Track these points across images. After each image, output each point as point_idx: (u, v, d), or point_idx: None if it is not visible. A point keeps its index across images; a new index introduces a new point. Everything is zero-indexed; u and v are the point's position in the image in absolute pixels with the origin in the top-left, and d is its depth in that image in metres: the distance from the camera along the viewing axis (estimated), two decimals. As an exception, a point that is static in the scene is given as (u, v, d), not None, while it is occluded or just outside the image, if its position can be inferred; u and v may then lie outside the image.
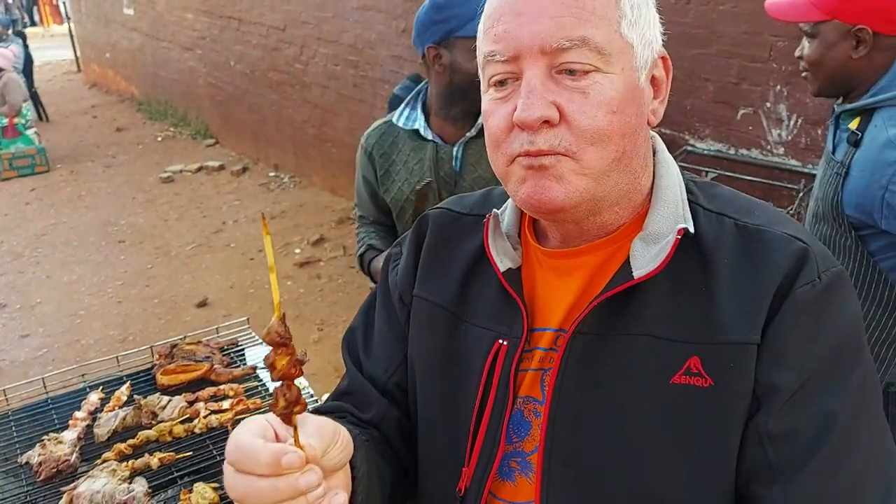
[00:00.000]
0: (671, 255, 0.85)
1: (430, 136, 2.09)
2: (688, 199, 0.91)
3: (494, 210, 1.00)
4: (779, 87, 3.27)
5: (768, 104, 3.34)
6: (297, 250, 6.17)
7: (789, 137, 3.29)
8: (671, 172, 0.93)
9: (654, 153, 0.95)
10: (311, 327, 4.95)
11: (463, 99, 2.02)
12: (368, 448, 0.96)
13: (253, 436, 0.76)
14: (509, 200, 1.03)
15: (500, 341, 0.94)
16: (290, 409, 0.79)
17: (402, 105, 2.18)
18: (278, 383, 0.80)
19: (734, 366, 0.82)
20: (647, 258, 0.87)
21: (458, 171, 2.07)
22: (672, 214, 0.89)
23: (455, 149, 2.07)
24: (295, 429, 0.79)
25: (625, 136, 0.85)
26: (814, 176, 3.19)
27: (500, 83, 0.86)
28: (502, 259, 0.97)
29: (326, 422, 0.81)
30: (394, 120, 2.16)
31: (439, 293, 1.03)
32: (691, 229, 0.86)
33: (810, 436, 0.81)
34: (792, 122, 3.26)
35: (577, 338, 0.89)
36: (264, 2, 7.61)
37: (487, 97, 0.89)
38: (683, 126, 3.74)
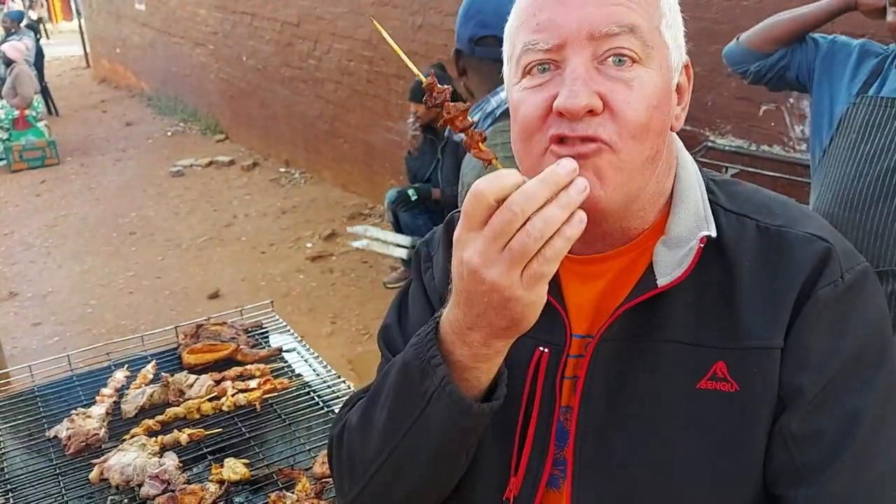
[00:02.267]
0: (695, 263, 0.85)
1: (457, 139, 2.06)
2: (709, 200, 0.90)
3: None
4: (803, 82, 3.26)
5: (791, 100, 3.33)
6: (309, 244, 6.17)
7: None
8: (690, 173, 0.93)
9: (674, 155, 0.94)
10: (324, 320, 4.94)
11: None
12: None
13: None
14: None
15: (542, 349, 0.93)
16: (469, 133, 0.86)
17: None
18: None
19: (758, 370, 0.82)
20: (670, 265, 0.86)
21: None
22: (693, 217, 0.88)
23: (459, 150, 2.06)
24: (497, 161, 0.85)
25: (659, 136, 0.84)
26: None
27: (539, 69, 0.84)
28: None
29: None
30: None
31: None
32: (713, 234, 0.86)
33: (835, 436, 0.81)
34: (815, 118, 3.25)
35: (602, 345, 0.88)
36: (278, -3, 7.63)
37: (519, 87, 0.86)
38: (704, 122, 3.73)
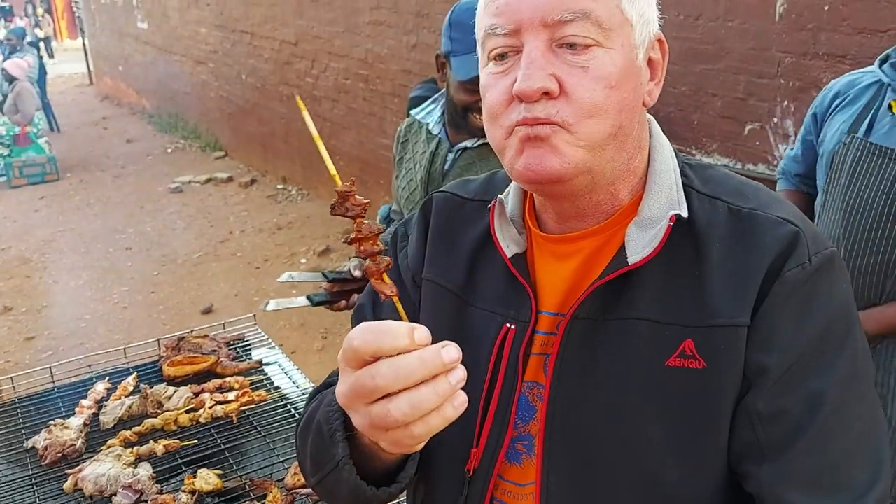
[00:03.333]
0: (664, 241, 0.87)
1: (436, 132, 2.10)
2: (682, 183, 0.92)
3: (500, 197, 1.00)
4: (786, 102, 3.29)
5: (775, 119, 3.36)
6: (304, 260, 6.20)
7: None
8: (665, 156, 0.94)
9: (650, 136, 0.96)
10: (315, 336, 4.95)
11: (459, 114, 2.00)
12: None
13: (374, 322, 0.73)
14: (512, 184, 1.04)
15: (508, 325, 0.95)
16: (375, 260, 0.79)
17: (429, 100, 2.20)
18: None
19: (725, 348, 0.84)
20: (641, 244, 0.88)
21: (446, 172, 2.05)
22: (666, 199, 0.90)
23: (451, 154, 2.06)
24: (397, 298, 0.79)
25: (622, 112, 0.86)
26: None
27: (501, 56, 0.87)
28: (508, 244, 0.98)
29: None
30: (413, 112, 2.20)
31: (447, 277, 1.04)
32: (684, 214, 0.88)
33: (798, 415, 0.83)
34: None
35: (574, 322, 0.90)
36: (277, 17, 7.71)
37: (486, 71, 0.89)
38: (690, 141, 3.77)
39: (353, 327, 1.16)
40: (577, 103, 0.83)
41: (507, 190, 1.04)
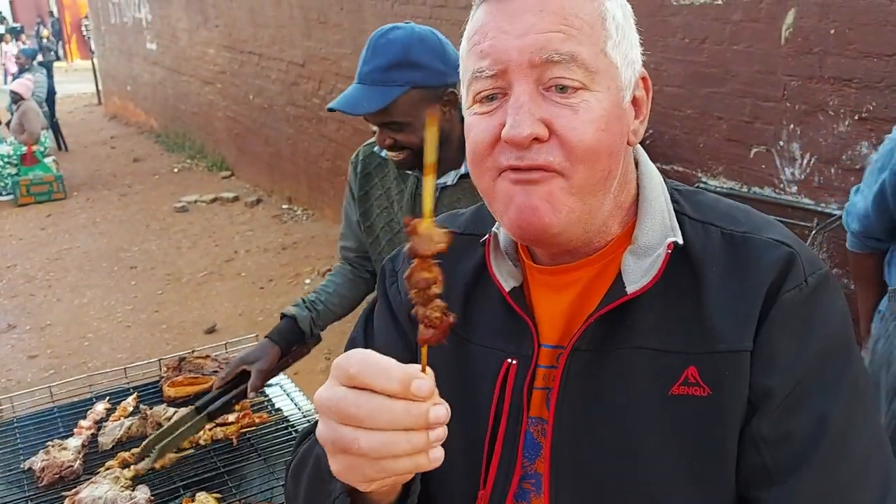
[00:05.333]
0: (663, 270, 0.86)
1: (409, 171, 1.93)
2: (674, 210, 0.92)
3: (494, 230, 0.98)
4: (792, 125, 3.28)
5: (781, 143, 3.35)
6: (308, 280, 6.19)
7: (802, 176, 3.30)
8: (655, 184, 0.94)
9: (637, 165, 0.95)
10: (319, 356, 4.92)
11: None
12: None
13: (379, 356, 0.70)
14: None
15: (510, 360, 0.93)
16: (426, 292, 0.73)
17: None
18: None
19: (730, 374, 0.83)
20: (638, 272, 0.87)
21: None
22: (660, 226, 0.89)
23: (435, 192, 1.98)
24: (425, 345, 0.73)
25: (611, 156, 0.85)
26: (828, 215, 3.19)
27: (488, 98, 0.85)
28: (506, 279, 0.96)
29: None
30: (375, 149, 2.00)
31: None
32: (680, 241, 0.87)
33: (804, 438, 0.82)
34: (805, 161, 3.27)
35: (575, 355, 0.88)
36: (285, 38, 7.77)
37: (471, 112, 0.88)
38: (696, 163, 3.76)
39: None
40: (568, 146, 0.82)
41: (496, 224, 1.01)
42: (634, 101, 0.90)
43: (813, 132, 3.21)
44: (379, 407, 0.67)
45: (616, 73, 0.86)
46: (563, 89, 0.82)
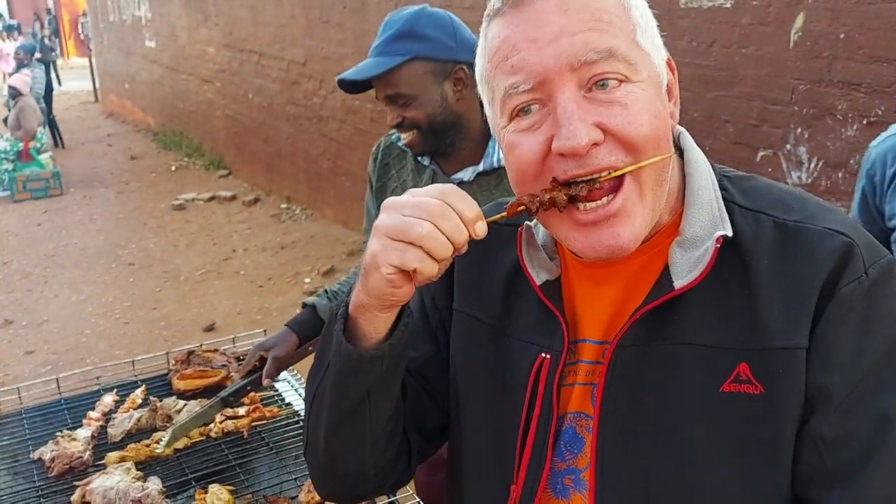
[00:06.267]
0: (712, 264, 0.83)
1: (426, 162, 1.92)
2: (722, 197, 0.88)
3: (527, 223, 0.97)
4: (800, 129, 3.29)
5: (788, 146, 3.36)
6: (307, 280, 6.17)
7: (809, 180, 3.30)
8: (702, 170, 0.90)
9: (683, 150, 0.92)
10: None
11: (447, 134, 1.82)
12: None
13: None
14: None
15: (543, 355, 0.92)
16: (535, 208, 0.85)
17: None
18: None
19: (783, 371, 0.80)
20: (686, 266, 0.84)
21: None
22: (708, 216, 0.86)
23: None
24: (511, 214, 0.85)
25: (667, 141, 0.84)
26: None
27: (523, 111, 0.83)
28: (538, 272, 0.94)
29: None
30: (393, 136, 2.02)
31: (482, 308, 1.01)
32: (729, 233, 0.84)
33: (867, 438, 0.79)
34: (812, 165, 3.28)
35: (620, 350, 0.86)
36: (286, 37, 7.76)
37: (509, 130, 0.85)
38: (702, 167, 3.77)
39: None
40: (627, 142, 0.80)
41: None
42: (667, 85, 0.88)
43: (821, 136, 3.22)
44: (449, 220, 0.80)
45: (650, 61, 0.84)
46: (603, 85, 0.80)
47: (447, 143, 1.82)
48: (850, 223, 0.85)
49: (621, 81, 0.81)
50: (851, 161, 3.12)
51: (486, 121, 1.81)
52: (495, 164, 1.81)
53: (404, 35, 1.73)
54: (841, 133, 3.13)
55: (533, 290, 0.94)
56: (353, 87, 1.81)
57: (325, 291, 2.11)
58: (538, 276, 0.94)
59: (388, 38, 1.75)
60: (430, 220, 0.79)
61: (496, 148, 1.80)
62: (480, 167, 1.82)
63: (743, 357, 0.81)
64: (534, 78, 0.80)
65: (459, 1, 5.18)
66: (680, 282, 0.84)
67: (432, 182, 1.90)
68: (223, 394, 1.91)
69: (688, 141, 0.93)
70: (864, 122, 3.04)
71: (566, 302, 0.94)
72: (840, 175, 3.18)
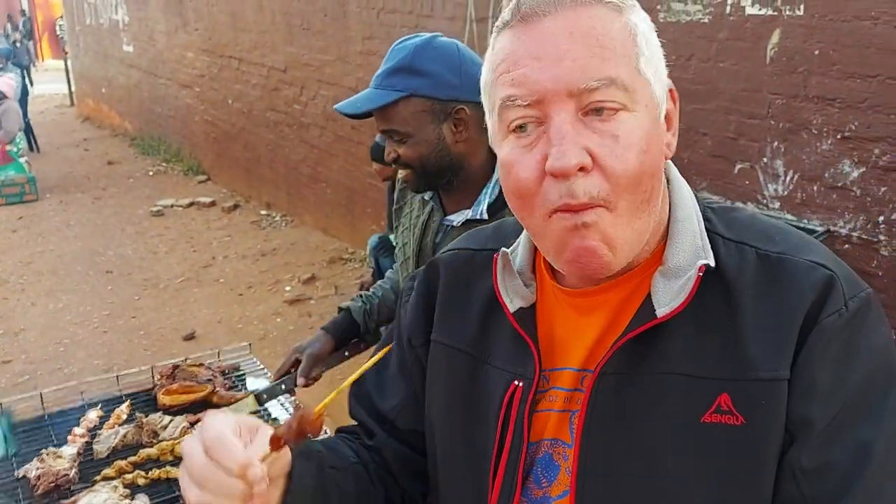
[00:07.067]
0: (694, 293, 0.84)
1: (428, 197, 1.88)
2: (706, 228, 0.90)
3: (504, 250, 0.98)
4: (776, 143, 3.36)
5: (765, 159, 3.42)
6: (288, 288, 6.15)
7: (785, 192, 3.37)
8: (686, 201, 0.92)
9: (668, 182, 0.94)
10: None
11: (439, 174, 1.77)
12: (340, 470, 1.02)
13: (232, 432, 0.83)
14: (522, 236, 1.01)
15: (516, 382, 0.93)
16: (292, 440, 0.88)
17: None
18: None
19: (765, 402, 0.81)
20: (668, 295, 0.86)
21: (437, 245, 1.84)
22: (691, 246, 0.87)
23: (440, 233, 1.84)
24: (276, 450, 0.86)
25: (654, 176, 0.84)
26: (810, 231, 3.26)
27: (520, 128, 0.84)
28: (512, 299, 0.96)
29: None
30: None
31: (458, 336, 1.02)
32: (712, 263, 0.85)
33: (846, 469, 0.80)
34: (788, 178, 3.34)
35: (603, 378, 0.87)
36: (267, 43, 7.74)
37: (507, 145, 0.86)
38: (681, 178, 3.82)
39: (351, 391, 1.17)
40: (613, 176, 0.81)
41: (516, 242, 1.02)
42: (666, 115, 0.89)
43: (796, 150, 3.28)
44: (214, 474, 0.80)
45: (650, 90, 0.85)
46: (599, 111, 0.81)
47: (444, 182, 1.76)
48: (832, 256, 0.87)
49: (618, 110, 0.82)
50: (826, 174, 3.19)
51: (489, 161, 1.79)
52: (485, 215, 1.71)
53: (404, 69, 1.66)
54: (816, 147, 3.20)
55: (507, 317, 0.96)
56: (353, 115, 1.75)
57: (360, 296, 2.13)
58: (512, 304, 0.95)
59: (387, 70, 1.68)
60: (196, 486, 0.82)
61: (488, 194, 1.73)
62: (469, 214, 1.75)
63: (724, 387, 0.82)
64: (532, 95, 0.82)
65: (441, 11, 5.20)
66: (662, 310, 0.85)
67: (429, 217, 1.88)
68: (258, 390, 1.93)
69: (673, 172, 0.95)
70: (839, 136, 3.11)
71: (543, 329, 0.95)
72: (815, 188, 3.25)
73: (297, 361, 1.99)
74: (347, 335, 2.05)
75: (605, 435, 0.87)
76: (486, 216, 1.71)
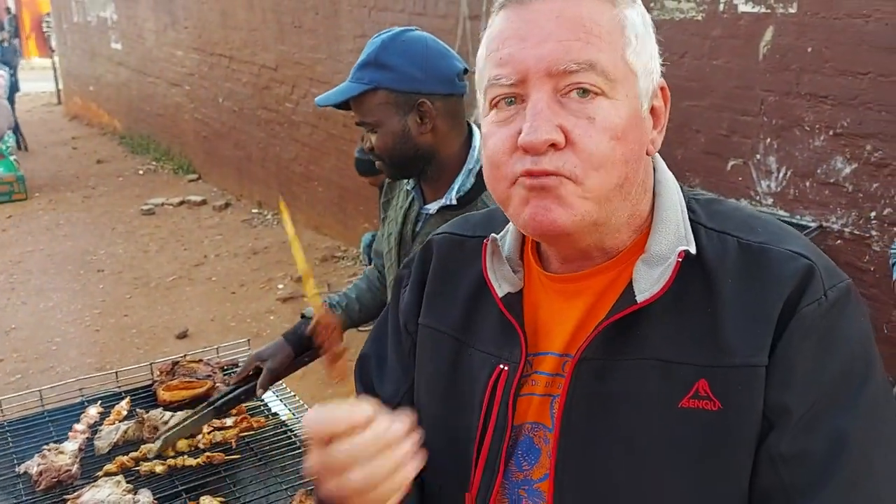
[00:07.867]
0: (673, 278, 0.85)
1: (409, 187, 1.92)
2: (689, 218, 0.91)
3: (493, 235, 1.00)
4: (769, 139, 3.39)
5: (758, 156, 3.45)
6: (281, 286, 6.14)
7: (778, 189, 3.40)
8: (671, 192, 0.93)
9: (654, 172, 0.95)
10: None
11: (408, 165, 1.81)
12: None
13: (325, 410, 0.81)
14: (510, 223, 1.03)
15: (501, 366, 0.94)
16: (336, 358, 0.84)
17: None
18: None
19: (742, 388, 0.82)
20: (649, 281, 0.87)
21: (416, 234, 1.89)
22: (673, 235, 0.89)
23: (419, 221, 1.89)
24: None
25: (627, 163, 0.85)
26: (802, 227, 3.30)
27: (506, 102, 0.86)
28: (500, 284, 0.97)
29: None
30: None
31: (444, 320, 1.04)
32: (692, 250, 0.86)
33: (824, 457, 0.81)
34: (781, 174, 3.37)
35: (583, 363, 0.89)
36: (257, 41, 7.72)
37: (488, 120, 0.88)
38: (674, 175, 3.84)
39: (354, 378, 1.17)
40: (583, 154, 0.82)
41: (505, 228, 1.03)
42: (653, 111, 0.90)
43: (789, 146, 3.32)
44: (351, 446, 0.78)
45: (635, 82, 0.86)
46: (583, 93, 0.83)
47: (416, 171, 1.81)
48: (812, 247, 0.89)
49: (597, 94, 0.83)
50: (818, 171, 3.23)
51: (463, 150, 1.82)
52: (454, 201, 1.77)
53: (370, 63, 1.72)
54: (808, 143, 3.23)
55: (495, 302, 0.97)
56: (330, 105, 1.81)
57: (326, 302, 2.12)
58: (500, 289, 0.97)
59: (359, 64, 1.75)
60: (359, 466, 0.79)
61: (460, 182, 1.78)
62: (444, 201, 1.80)
63: (702, 373, 0.83)
64: (515, 75, 0.84)
65: (433, 9, 5.21)
66: (642, 296, 0.86)
67: (410, 206, 1.91)
68: (216, 402, 1.92)
69: (659, 164, 0.96)
70: (831, 133, 3.14)
71: (528, 314, 0.97)
72: (808, 184, 3.28)
73: (258, 368, 1.98)
74: (306, 343, 2.06)
75: (584, 419, 0.89)
76: (454, 202, 1.77)
